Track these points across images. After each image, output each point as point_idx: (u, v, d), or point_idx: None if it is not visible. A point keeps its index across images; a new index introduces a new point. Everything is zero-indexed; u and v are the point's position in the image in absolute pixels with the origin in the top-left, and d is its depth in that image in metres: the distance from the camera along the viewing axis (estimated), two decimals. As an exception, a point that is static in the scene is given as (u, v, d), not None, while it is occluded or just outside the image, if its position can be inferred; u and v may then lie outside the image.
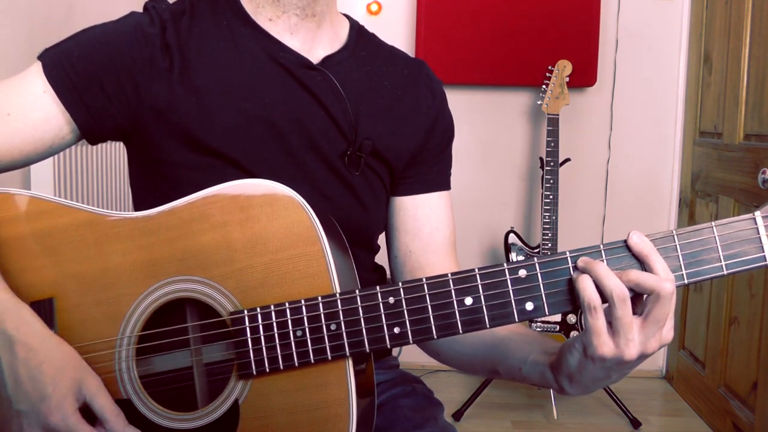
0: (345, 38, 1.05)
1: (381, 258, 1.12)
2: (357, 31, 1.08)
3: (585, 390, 0.82)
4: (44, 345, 0.80)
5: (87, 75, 0.93)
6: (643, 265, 0.75)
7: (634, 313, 0.75)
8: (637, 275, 0.74)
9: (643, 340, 0.74)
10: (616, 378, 0.80)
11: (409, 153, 1.06)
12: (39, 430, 0.80)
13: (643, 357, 0.76)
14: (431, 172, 1.09)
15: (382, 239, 1.12)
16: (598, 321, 0.74)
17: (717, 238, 0.76)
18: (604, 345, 0.74)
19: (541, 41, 2.89)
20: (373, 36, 1.11)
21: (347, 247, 0.89)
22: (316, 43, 1.01)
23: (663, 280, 0.73)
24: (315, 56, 1.01)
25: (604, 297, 0.75)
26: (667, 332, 0.75)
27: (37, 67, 0.93)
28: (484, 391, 2.79)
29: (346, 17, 1.09)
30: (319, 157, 0.99)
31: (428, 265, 1.08)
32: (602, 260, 0.76)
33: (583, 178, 3.08)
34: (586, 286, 0.75)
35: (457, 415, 2.71)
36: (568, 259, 0.77)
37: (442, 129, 1.10)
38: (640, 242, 0.75)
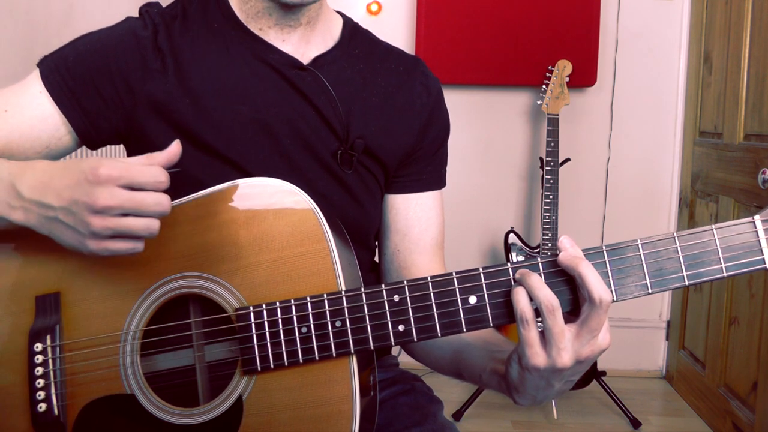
0: (338, 36, 1.05)
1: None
2: (351, 28, 1.08)
3: (533, 400, 0.82)
4: (50, 167, 0.81)
5: (82, 78, 0.95)
6: (575, 279, 0.75)
7: (570, 321, 0.76)
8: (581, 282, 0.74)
9: (578, 347, 0.75)
10: (561, 386, 0.80)
11: (403, 151, 1.06)
12: (86, 211, 0.76)
13: (580, 363, 0.76)
14: (425, 170, 1.09)
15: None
16: (530, 332, 0.75)
17: (717, 240, 0.77)
18: (537, 355, 0.75)
19: (541, 41, 2.89)
20: (367, 33, 1.10)
21: (351, 245, 0.89)
22: (310, 45, 1.02)
23: (604, 290, 0.73)
24: (306, 56, 1.01)
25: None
26: (603, 338, 0.76)
27: (36, 74, 0.96)
28: (485, 390, 2.79)
29: (340, 15, 1.09)
30: (313, 157, 1.00)
31: (414, 265, 1.08)
32: (540, 272, 0.77)
33: (583, 178, 3.08)
34: (519, 299, 0.76)
35: (457, 415, 2.71)
36: (510, 270, 0.79)
37: (437, 127, 1.09)
38: (568, 259, 0.76)
